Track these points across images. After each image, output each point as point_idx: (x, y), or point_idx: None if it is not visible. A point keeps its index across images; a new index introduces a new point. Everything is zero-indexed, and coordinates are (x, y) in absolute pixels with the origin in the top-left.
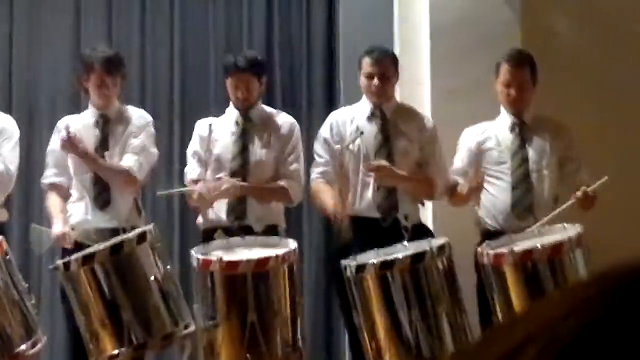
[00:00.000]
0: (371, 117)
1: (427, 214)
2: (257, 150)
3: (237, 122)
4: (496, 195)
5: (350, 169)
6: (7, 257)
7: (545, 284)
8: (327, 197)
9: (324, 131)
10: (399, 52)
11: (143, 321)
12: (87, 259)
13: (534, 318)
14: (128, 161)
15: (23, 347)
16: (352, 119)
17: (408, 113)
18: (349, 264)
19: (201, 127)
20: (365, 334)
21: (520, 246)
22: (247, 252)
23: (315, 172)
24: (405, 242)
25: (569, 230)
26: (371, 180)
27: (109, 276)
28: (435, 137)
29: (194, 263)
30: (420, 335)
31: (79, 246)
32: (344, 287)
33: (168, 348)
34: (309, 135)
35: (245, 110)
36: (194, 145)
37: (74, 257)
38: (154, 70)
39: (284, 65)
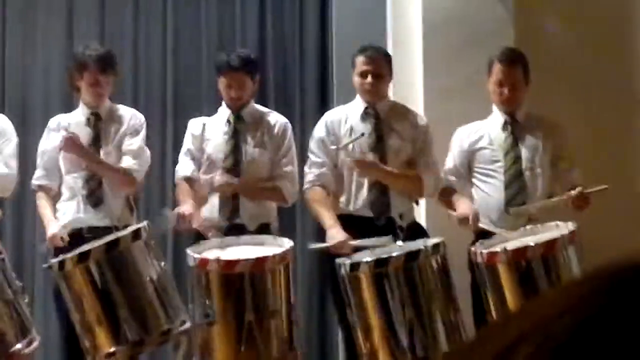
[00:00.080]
0: (365, 116)
1: (420, 212)
2: (250, 150)
3: (229, 121)
4: (489, 193)
5: (345, 168)
6: (1, 256)
7: (539, 282)
8: (327, 215)
9: (319, 131)
10: (392, 51)
11: (139, 318)
12: (83, 257)
13: (528, 316)
14: (128, 162)
15: (18, 346)
16: (347, 119)
17: (402, 112)
18: (344, 262)
19: (194, 126)
20: (359, 332)
21: (513, 244)
22: (242, 250)
23: (310, 174)
24: (399, 242)
25: (562, 228)
26: (365, 180)
27: (105, 273)
28: (427, 134)
29: (191, 262)
30: (414, 333)
31: (72, 245)
32: (339, 286)
33: (163, 346)
34: (302, 134)
35: (237, 110)
36: (187, 144)
37: (69, 255)
38: (146, 69)
39: (277, 64)
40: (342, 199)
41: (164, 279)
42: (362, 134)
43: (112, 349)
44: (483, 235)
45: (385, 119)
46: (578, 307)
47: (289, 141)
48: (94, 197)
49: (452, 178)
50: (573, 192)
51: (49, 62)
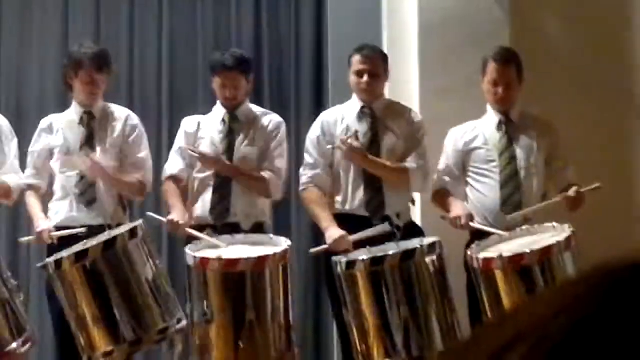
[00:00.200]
0: (361, 116)
1: (416, 212)
2: (244, 149)
3: (224, 121)
4: (485, 193)
5: (341, 168)
6: None
7: (536, 287)
8: (324, 215)
9: (314, 131)
10: (388, 51)
11: (136, 317)
12: (80, 256)
13: (524, 316)
14: (141, 173)
15: (14, 345)
16: (343, 119)
17: (397, 110)
18: (340, 260)
19: (188, 124)
20: (355, 331)
21: (509, 250)
22: (239, 250)
23: (306, 175)
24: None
25: (558, 231)
26: (361, 179)
27: (102, 272)
28: (419, 130)
29: (190, 261)
30: (409, 332)
31: (65, 244)
32: (335, 284)
33: (159, 345)
34: (298, 135)
35: (232, 109)
36: (179, 142)
37: (65, 254)
38: (142, 69)
39: (273, 65)
40: (339, 198)
41: (160, 278)
42: (357, 131)
43: (110, 348)
44: (479, 235)
45: (381, 118)
46: (573, 307)
47: (281, 138)
48: (87, 196)
49: (447, 178)
50: (569, 193)
51: (44, 61)
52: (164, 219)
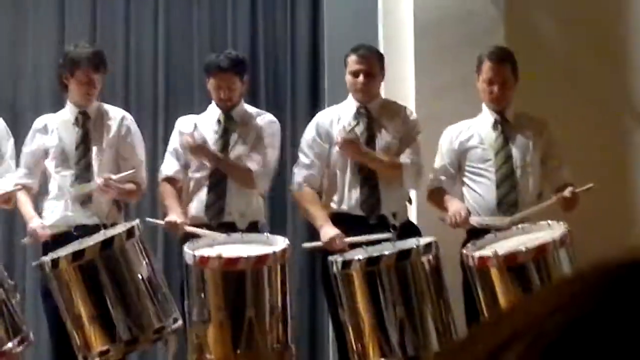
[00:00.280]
0: (357, 116)
1: (412, 211)
2: (239, 149)
3: (219, 121)
4: (481, 192)
5: (338, 168)
6: None
7: (532, 285)
8: (320, 214)
9: (310, 132)
10: (384, 50)
11: (133, 316)
12: (77, 255)
13: (520, 314)
14: (141, 174)
15: (9, 345)
16: (339, 119)
17: (393, 109)
18: (336, 259)
19: (184, 123)
20: (351, 331)
21: (504, 248)
22: (237, 249)
23: (299, 175)
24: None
25: (553, 229)
26: (357, 179)
27: (99, 271)
28: (414, 128)
29: (189, 260)
30: (405, 332)
31: (60, 243)
32: (331, 283)
33: (155, 344)
34: (294, 135)
35: (227, 110)
36: (173, 143)
37: (62, 253)
38: (138, 70)
39: (269, 65)
40: (335, 198)
41: (156, 277)
42: (354, 124)
43: (105, 347)
44: (475, 234)
45: (377, 117)
46: (570, 305)
47: (272, 133)
48: (82, 196)
49: (442, 177)
50: (566, 193)
51: (39, 61)
52: (162, 222)
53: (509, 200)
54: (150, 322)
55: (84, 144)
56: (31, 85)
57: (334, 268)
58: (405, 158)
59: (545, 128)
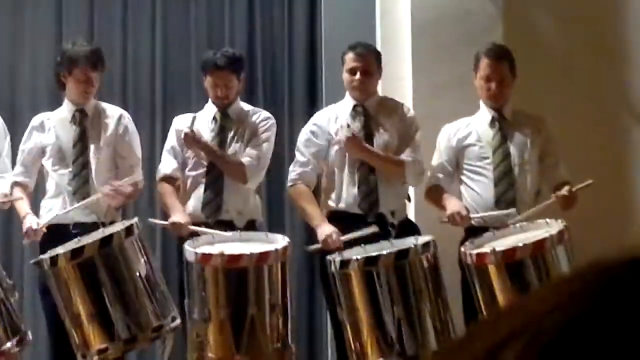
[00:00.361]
0: (354, 114)
1: (411, 209)
2: (235, 147)
3: (215, 119)
4: (479, 190)
5: (336, 166)
6: None
7: (529, 282)
8: (315, 211)
9: (307, 131)
10: (381, 48)
11: (132, 315)
12: (76, 253)
13: (518, 313)
14: (139, 172)
15: (8, 345)
16: (336, 118)
17: (390, 107)
18: (334, 259)
19: (181, 121)
20: (349, 330)
21: (502, 245)
22: (237, 246)
23: (293, 172)
24: (392, 239)
25: (551, 226)
26: (355, 177)
27: (97, 269)
28: (412, 125)
29: (190, 258)
30: (403, 331)
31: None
32: (329, 282)
33: (153, 343)
34: (291, 134)
35: (223, 107)
36: (170, 141)
37: (61, 251)
38: (135, 68)
39: (266, 64)
40: (333, 196)
41: (155, 275)
42: (348, 125)
43: (104, 346)
44: (473, 232)
45: (374, 115)
46: (568, 303)
47: (267, 129)
48: (80, 193)
49: (440, 175)
50: (563, 192)
51: (37, 60)
52: (166, 223)
53: (507, 198)
54: (148, 321)
55: (82, 142)
56: (29, 84)
57: (332, 267)
58: (406, 156)
59: (543, 125)
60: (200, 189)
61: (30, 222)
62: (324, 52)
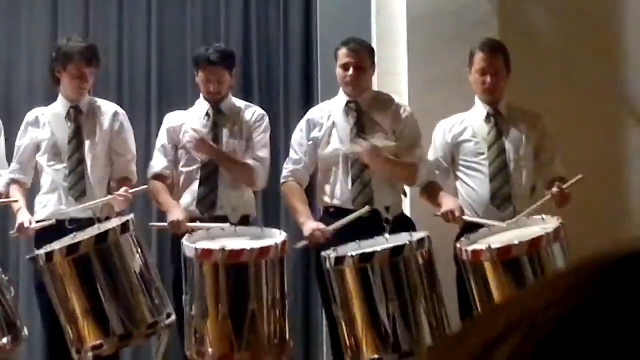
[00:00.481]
0: (347, 111)
1: (406, 204)
2: (229, 142)
3: (208, 115)
4: (474, 186)
5: (330, 161)
6: None
7: (525, 279)
8: (302, 208)
9: (300, 127)
10: (377, 43)
11: (127, 311)
12: (72, 249)
13: (515, 308)
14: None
15: (4, 341)
16: (329, 114)
17: (384, 103)
18: (329, 255)
19: (172, 119)
20: (344, 326)
21: (498, 242)
22: (237, 242)
23: (286, 170)
24: (388, 235)
25: (547, 223)
26: (349, 173)
27: (93, 265)
28: (413, 125)
29: (190, 253)
30: (398, 328)
31: (54, 236)
32: (325, 278)
33: (148, 339)
34: (287, 130)
35: (216, 103)
36: (161, 139)
37: (57, 247)
38: (131, 65)
39: (262, 60)
40: (327, 192)
41: (150, 272)
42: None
43: (99, 342)
44: (469, 228)
45: (367, 112)
46: (564, 298)
47: (264, 128)
48: (77, 190)
49: (436, 172)
50: (554, 190)
51: (33, 57)
52: (165, 224)
53: (502, 194)
54: (144, 317)
55: (77, 138)
56: (25, 81)
57: (327, 264)
58: (419, 161)
59: (539, 121)
60: (195, 185)
61: (23, 218)
62: (319, 48)
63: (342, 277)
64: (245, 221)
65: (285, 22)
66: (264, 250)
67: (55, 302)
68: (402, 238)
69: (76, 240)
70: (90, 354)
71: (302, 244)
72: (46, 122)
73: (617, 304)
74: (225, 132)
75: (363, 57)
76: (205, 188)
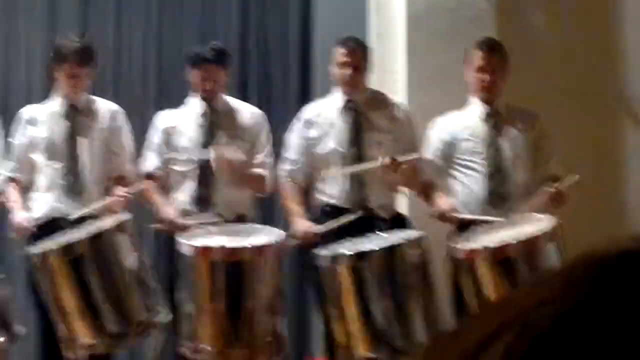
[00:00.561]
0: (343, 110)
1: (403, 202)
2: (225, 141)
3: (204, 113)
4: (471, 185)
5: (326, 160)
6: None
7: (520, 277)
8: (295, 208)
9: (297, 127)
10: (375, 41)
11: (121, 310)
12: (67, 249)
13: (509, 306)
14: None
15: (0, 339)
16: (325, 113)
17: (380, 102)
18: (323, 254)
19: (164, 118)
20: (338, 325)
21: (492, 240)
22: (234, 239)
23: (283, 169)
24: (382, 234)
25: (542, 221)
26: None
27: (87, 264)
28: (410, 125)
29: (187, 251)
30: (392, 326)
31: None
32: (319, 277)
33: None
34: (284, 129)
35: (211, 102)
36: (154, 139)
37: (52, 246)
38: (128, 61)
39: (259, 58)
40: (322, 190)
41: (145, 271)
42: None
43: (93, 341)
44: (464, 227)
45: (364, 111)
46: (558, 296)
47: (265, 132)
48: (74, 188)
49: (432, 170)
50: (550, 190)
51: (31, 55)
52: (161, 225)
53: (498, 193)
54: (137, 316)
55: (73, 137)
56: (23, 80)
57: (321, 262)
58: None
59: (536, 121)
60: (190, 184)
61: (21, 217)
62: (317, 47)
63: (335, 275)
64: (241, 220)
65: (283, 20)
66: (262, 248)
67: (48, 299)
68: (397, 237)
69: (71, 240)
70: (83, 353)
71: (293, 243)
72: (42, 120)
73: (611, 302)
74: (223, 132)
75: (359, 56)
76: (202, 187)
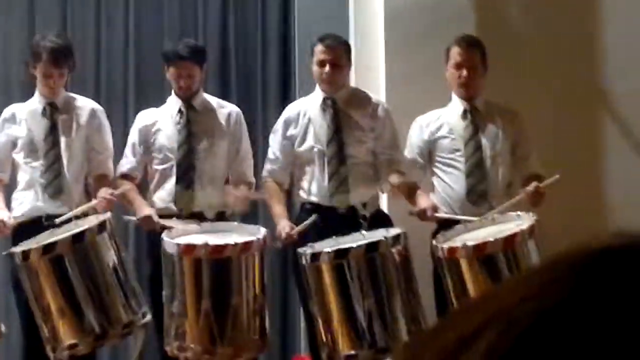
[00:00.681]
0: (323, 107)
1: (383, 200)
2: (203, 139)
3: (180, 111)
4: (450, 183)
5: (307, 158)
6: None
7: (501, 275)
8: (277, 208)
9: (277, 127)
10: (354, 39)
11: (103, 310)
12: (48, 249)
13: (491, 303)
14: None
15: None
16: (306, 111)
17: (360, 100)
18: (305, 252)
19: (144, 117)
20: (320, 322)
21: (473, 238)
22: (217, 237)
23: (265, 169)
24: (364, 231)
25: (522, 220)
26: (325, 169)
27: (70, 265)
28: (391, 123)
29: (171, 249)
30: (374, 324)
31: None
32: (301, 275)
33: (124, 338)
34: (264, 127)
35: (188, 99)
36: (132, 138)
37: (34, 245)
38: (108, 58)
39: (239, 56)
40: (305, 188)
41: (127, 271)
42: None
43: (74, 341)
44: (446, 225)
45: (343, 109)
46: (540, 293)
47: (244, 131)
48: (53, 187)
49: (412, 169)
50: (529, 188)
51: (9, 52)
52: (134, 218)
53: (478, 190)
54: (119, 317)
55: (53, 135)
56: (1, 76)
57: (304, 260)
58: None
59: (515, 118)
60: (170, 182)
61: (2, 215)
62: (297, 45)
63: (318, 273)
64: (221, 218)
65: (263, 18)
66: (247, 245)
67: (31, 299)
68: (378, 234)
69: (53, 240)
70: (65, 353)
71: (277, 245)
72: (22, 118)
73: (595, 298)
74: (201, 130)
75: (339, 53)
76: (182, 185)
